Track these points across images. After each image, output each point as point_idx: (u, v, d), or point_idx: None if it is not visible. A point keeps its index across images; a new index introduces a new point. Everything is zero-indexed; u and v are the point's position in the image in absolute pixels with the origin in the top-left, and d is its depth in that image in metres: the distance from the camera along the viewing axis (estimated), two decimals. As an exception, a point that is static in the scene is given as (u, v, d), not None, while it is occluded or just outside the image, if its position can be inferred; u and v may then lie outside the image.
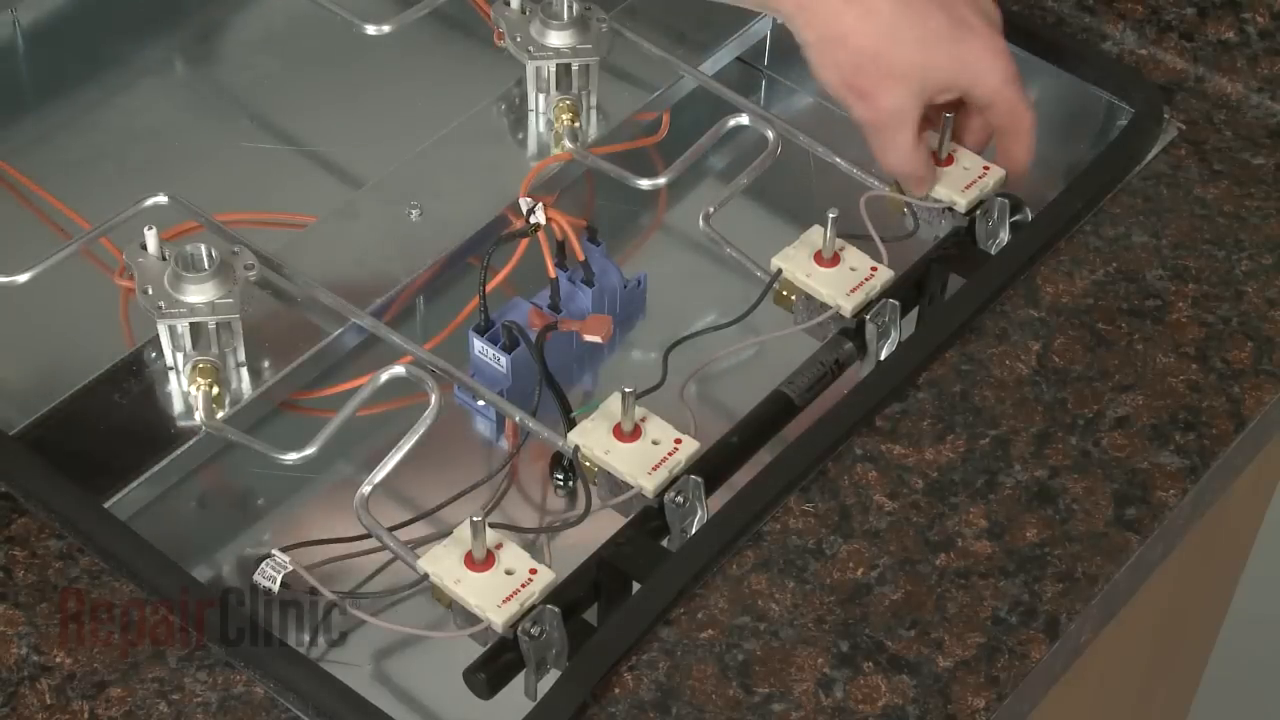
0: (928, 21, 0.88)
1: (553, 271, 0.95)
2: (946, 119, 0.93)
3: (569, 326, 0.93)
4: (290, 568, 0.82)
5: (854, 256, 0.91)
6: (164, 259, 0.89)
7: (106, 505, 0.84)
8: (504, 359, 0.92)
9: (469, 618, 0.78)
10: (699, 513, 0.83)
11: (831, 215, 0.91)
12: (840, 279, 0.91)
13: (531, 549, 0.81)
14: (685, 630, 0.79)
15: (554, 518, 0.90)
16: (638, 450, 0.83)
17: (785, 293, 0.94)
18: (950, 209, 0.95)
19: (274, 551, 0.83)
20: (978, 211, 0.95)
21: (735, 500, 0.83)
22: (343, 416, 0.86)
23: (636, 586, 0.80)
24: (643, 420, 0.84)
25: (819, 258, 0.91)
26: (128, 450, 0.89)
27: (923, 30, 0.88)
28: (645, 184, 0.99)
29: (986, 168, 0.96)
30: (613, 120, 1.05)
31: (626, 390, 0.83)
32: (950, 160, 0.96)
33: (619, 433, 0.84)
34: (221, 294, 0.89)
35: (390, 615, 0.83)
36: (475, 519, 0.78)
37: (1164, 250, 0.95)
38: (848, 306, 0.90)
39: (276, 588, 0.82)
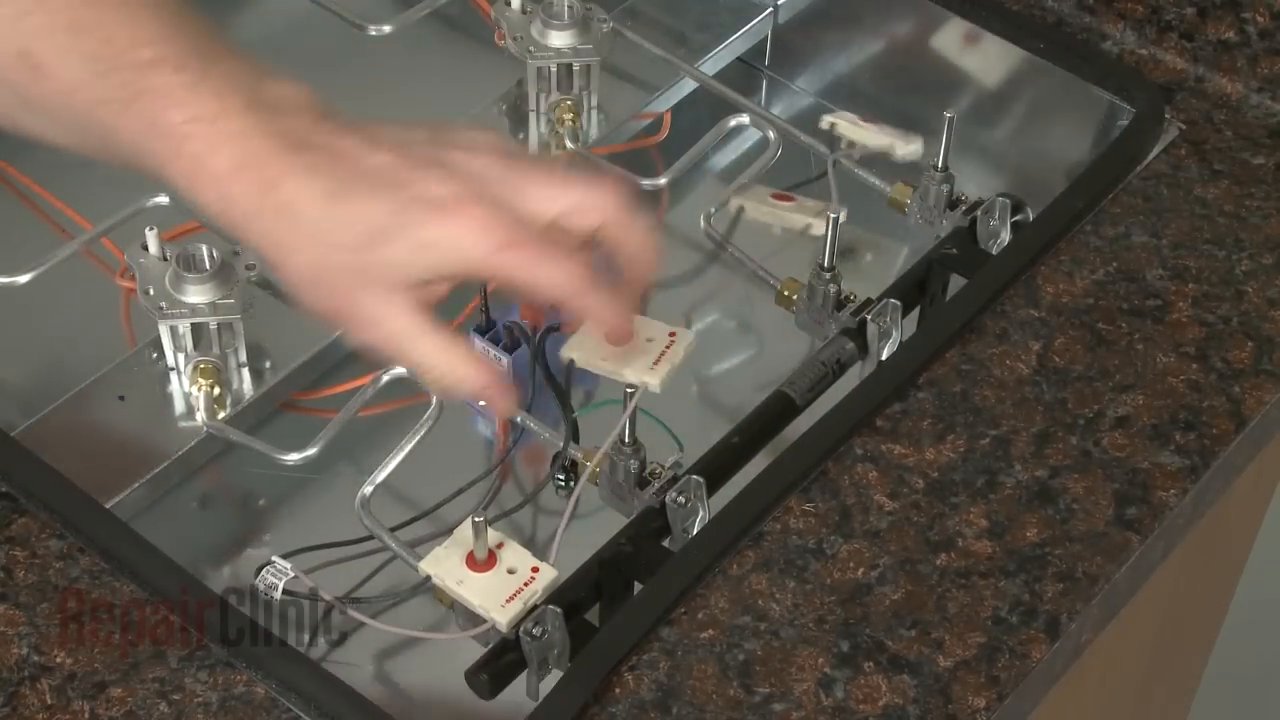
0: (366, 216, 0.71)
1: (553, 272, 0.95)
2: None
3: (573, 327, 0.93)
4: (291, 574, 0.82)
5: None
6: (165, 259, 0.89)
7: (108, 506, 0.84)
8: (505, 359, 0.92)
9: (471, 618, 0.78)
10: (700, 513, 0.83)
11: (832, 216, 0.91)
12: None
13: (531, 546, 0.81)
14: (686, 630, 0.79)
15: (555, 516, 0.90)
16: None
17: (786, 292, 0.94)
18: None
19: (274, 558, 0.83)
20: (979, 211, 0.95)
21: (736, 500, 0.83)
22: (344, 417, 0.87)
23: (638, 587, 0.80)
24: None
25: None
26: (129, 451, 0.89)
27: (361, 226, 0.71)
28: (646, 184, 0.99)
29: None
30: (613, 120, 1.05)
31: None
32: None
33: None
34: (223, 294, 0.89)
35: (392, 616, 0.84)
36: (477, 519, 0.78)
37: (1164, 250, 0.95)
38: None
39: (279, 595, 0.81)
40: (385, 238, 0.71)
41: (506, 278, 0.74)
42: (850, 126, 0.98)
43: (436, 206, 0.72)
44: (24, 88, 0.71)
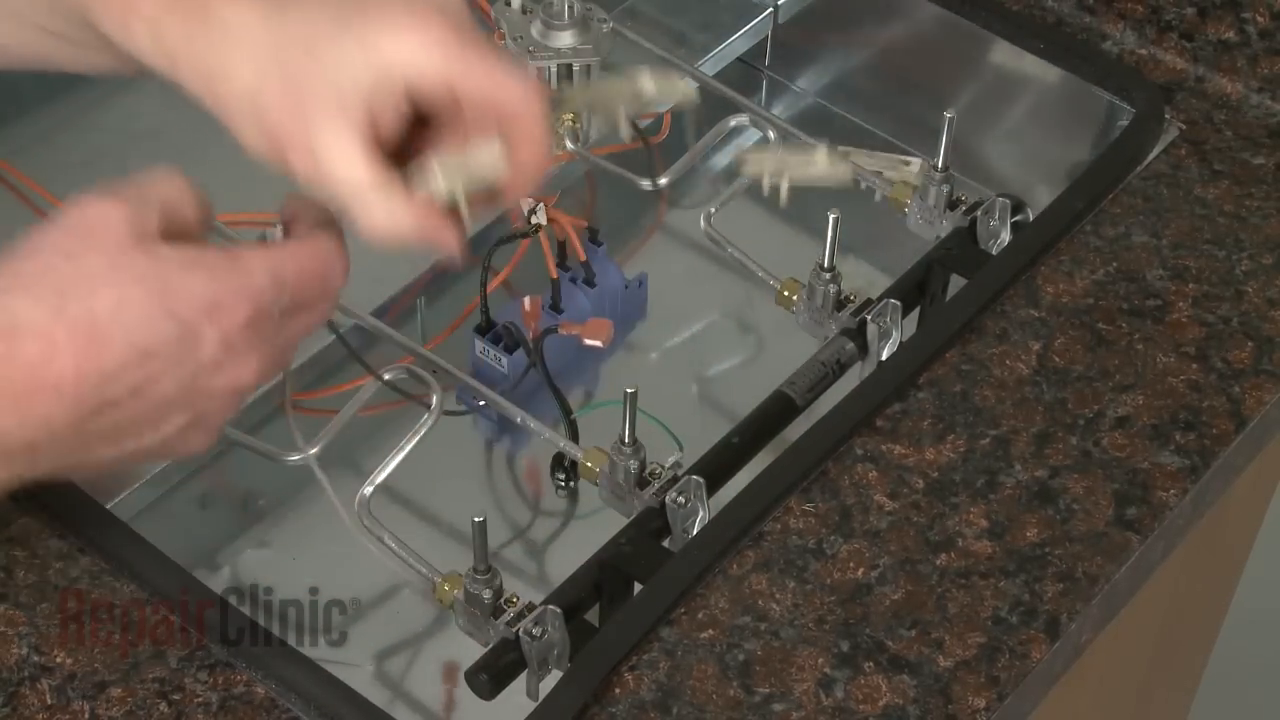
0: (310, 20, 0.64)
1: (554, 272, 0.95)
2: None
3: (570, 330, 0.93)
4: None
5: None
6: (165, 259, 0.89)
7: (108, 506, 0.84)
8: (505, 359, 0.92)
9: (470, 618, 0.78)
10: (700, 513, 0.83)
11: (833, 216, 0.91)
12: None
13: (532, 546, 0.81)
14: (686, 630, 0.79)
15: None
16: None
17: (786, 292, 0.94)
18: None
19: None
20: (979, 211, 0.95)
21: (736, 500, 0.82)
22: (344, 417, 0.86)
23: (638, 587, 0.80)
24: None
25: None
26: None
27: (302, 31, 0.64)
28: (646, 184, 0.99)
29: None
30: (614, 120, 1.05)
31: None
32: None
33: None
34: (222, 294, 0.88)
35: (392, 616, 0.84)
36: (477, 519, 0.78)
37: (1164, 250, 0.95)
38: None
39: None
40: (330, 40, 0.64)
41: (460, 88, 0.66)
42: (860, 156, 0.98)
43: (388, 12, 0.64)
44: None
